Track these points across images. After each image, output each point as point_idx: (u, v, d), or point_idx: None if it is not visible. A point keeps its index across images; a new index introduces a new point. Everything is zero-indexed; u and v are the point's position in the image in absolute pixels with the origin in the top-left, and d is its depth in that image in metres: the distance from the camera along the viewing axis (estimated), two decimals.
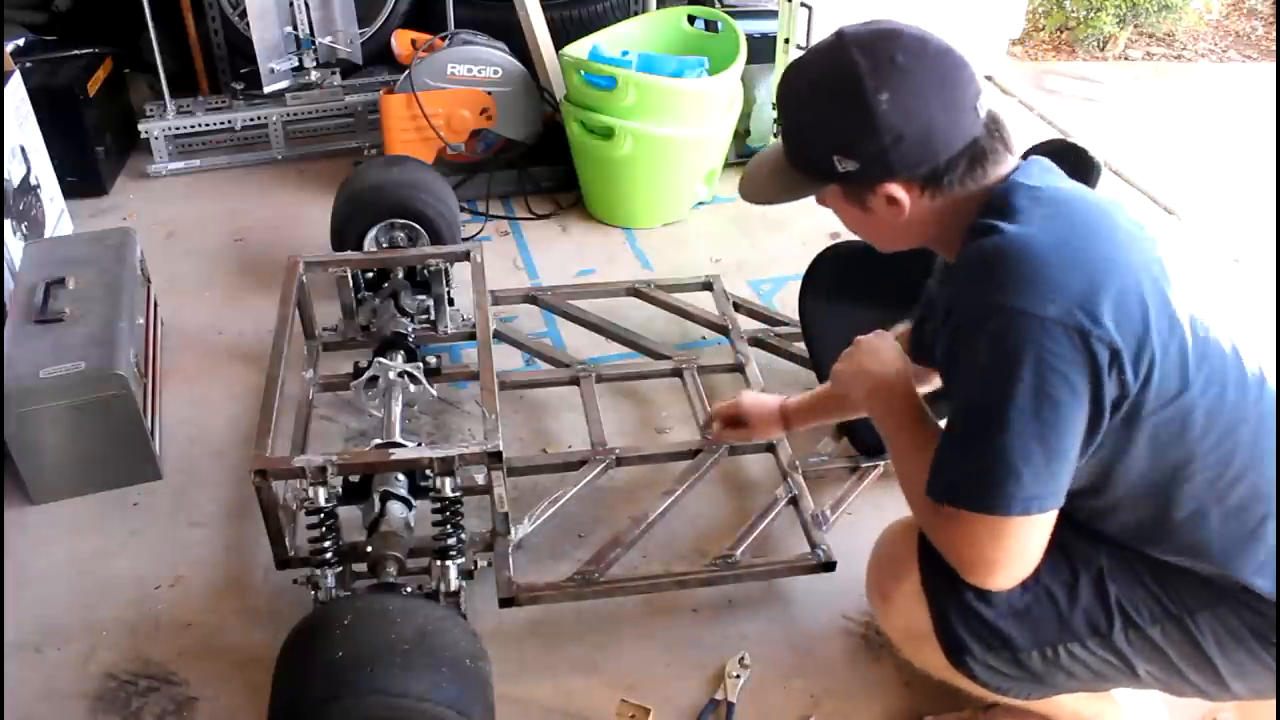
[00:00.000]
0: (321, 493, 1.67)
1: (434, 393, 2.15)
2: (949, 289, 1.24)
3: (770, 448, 2.05)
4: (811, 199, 1.33)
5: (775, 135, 3.25)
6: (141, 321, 2.28)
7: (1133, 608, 1.29)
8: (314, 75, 3.47)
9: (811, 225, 3.01)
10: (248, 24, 3.25)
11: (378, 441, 1.90)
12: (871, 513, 1.92)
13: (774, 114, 3.21)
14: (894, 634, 1.50)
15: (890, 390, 1.41)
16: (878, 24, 1.21)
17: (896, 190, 1.21)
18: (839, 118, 1.19)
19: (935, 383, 1.64)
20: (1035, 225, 1.16)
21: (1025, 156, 1.94)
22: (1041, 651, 1.31)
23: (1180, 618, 1.27)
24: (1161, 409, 1.16)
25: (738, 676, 1.70)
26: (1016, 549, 1.19)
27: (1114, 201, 1.27)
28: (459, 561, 1.71)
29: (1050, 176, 1.25)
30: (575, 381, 2.28)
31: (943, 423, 1.28)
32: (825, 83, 1.21)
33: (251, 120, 3.47)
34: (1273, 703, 1.41)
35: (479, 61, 3.14)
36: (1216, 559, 1.24)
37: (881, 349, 1.46)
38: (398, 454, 1.75)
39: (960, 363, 1.18)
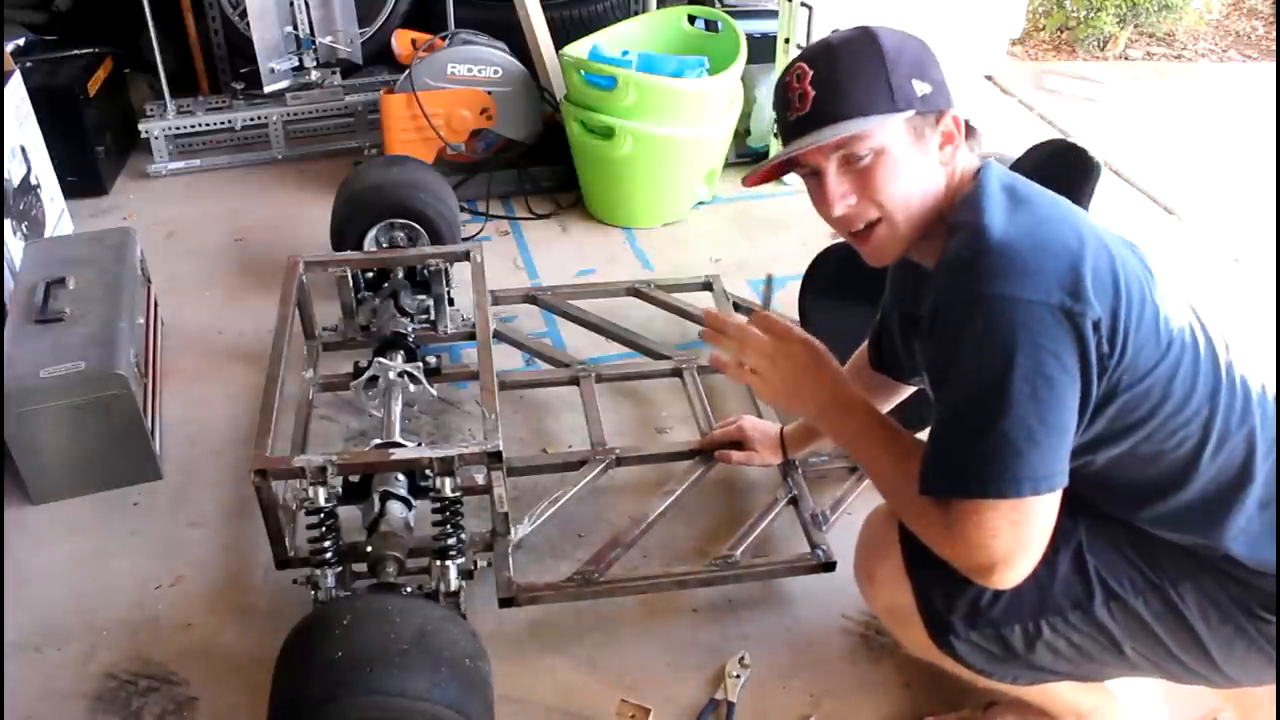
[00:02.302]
0: (321, 493, 1.67)
1: (434, 393, 2.15)
2: (933, 293, 1.25)
3: None
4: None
5: (774, 135, 3.25)
6: (141, 321, 2.28)
7: (1114, 579, 1.29)
8: (314, 75, 3.47)
9: (812, 225, 3.00)
10: (248, 24, 3.25)
11: (378, 441, 1.90)
12: None
13: (774, 114, 3.20)
14: (880, 613, 1.52)
15: (847, 408, 1.40)
16: None
17: (957, 120, 1.27)
18: (909, 49, 1.26)
19: (894, 400, 1.70)
20: (1005, 220, 1.20)
21: (1026, 155, 1.96)
22: (1024, 627, 1.31)
23: (1162, 587, 1.28)
24: (1138, 382, 1.19)
25: (738, 676, 1.70)
26: (1031, 534, 1.18)
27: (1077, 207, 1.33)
28: (459, 561, 1.71)
29: (1012, 178, 1.30)
30: (575, 381, 2.28)
31: (922, 435, 1.29)
32: (873, 36, 1.25)
33: (251, 120, 3.47)
34: (1272, 705, 1.41)
35: (479, 61, 3.14)
36: (1193, 528, 1.26)
37: (804, 365, 1.43)
38: (398, 454, 1.75)
39: (952, 358, 1.20)
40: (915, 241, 1.32)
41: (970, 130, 1.30)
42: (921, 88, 1.24)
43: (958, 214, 1.25)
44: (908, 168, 1.27)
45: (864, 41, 1.25)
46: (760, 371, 1.43)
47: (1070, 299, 1.13)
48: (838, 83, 1.24)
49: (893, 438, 1.38)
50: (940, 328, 1.21)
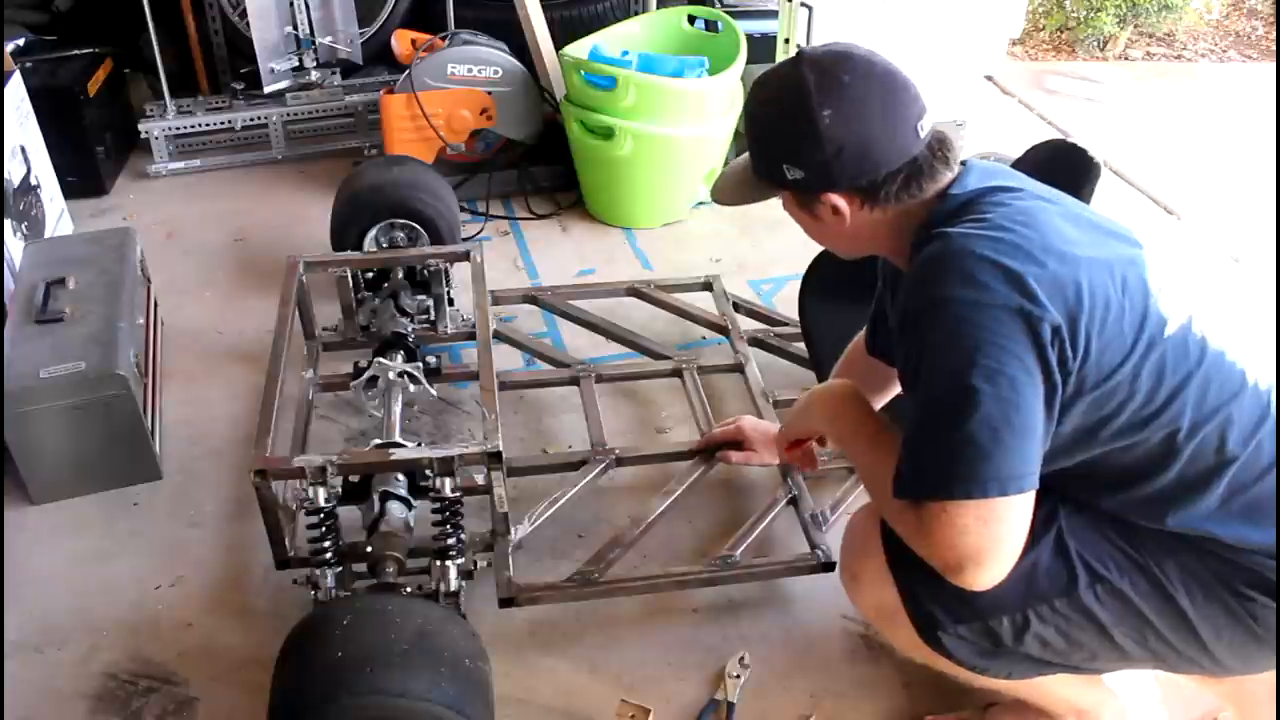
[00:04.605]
0: (321, 493, 1.67)
1: (434, 393, 2.15)
2: (900, 300, 1.28)
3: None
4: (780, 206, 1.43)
5: None
6: (141, 321, 2.27)
7: (1097, 561, 1.29)
8: (314, 75, 3.47)
9: None
10: (248, 24, 3.26)
11: (378, 441, 1.90)
12: None
13: None
14: (867, 613, 1.52)
15: (841, 401, 1.50)
16: (834, 46, 1.31)
17: (838, 200, 1.31)
18: (788, 129, 1.30)
19: (889, 393, 1.70)
20: (970, 226, 1.23)
21: (1026, 155, 1.96)
22: (1011, 618, 1.30)
23: (1146, 566, 1.28)
24: (1104, 381, 1.20)
25: (738, 676, 1.71)
26: (1002, 534, 1.18)
27: (1060, 194, 1.34)
28: (459, 562, 1.71)
29: (989, 179, 1.31)
30: (575, 381, 2.28)
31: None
32: (778, 97, 1.32)
33: (251, 120, 3.47)
34: (1272, 705, 1.41)
35: (479, 61, 3.14)
36: (1170, 513, 1.26)
37: (826, 384, 1.57)
38: (398, 454, 1.75)
39: (917, 362, 1.22)
40: (882, 250, 1.40)
41: (942, 148, 1.30)
42: (794, 172, 1.31)
43: (921, 230, 1.28)
44: (808, 228, 1.42)
45: (753, 102, 1.37)
46: None
47: (1028, 302, 1.15)
48: (749, 141, 1.39)
49: (879, 436, 1.39)
50: (908, 332, 1.24)
